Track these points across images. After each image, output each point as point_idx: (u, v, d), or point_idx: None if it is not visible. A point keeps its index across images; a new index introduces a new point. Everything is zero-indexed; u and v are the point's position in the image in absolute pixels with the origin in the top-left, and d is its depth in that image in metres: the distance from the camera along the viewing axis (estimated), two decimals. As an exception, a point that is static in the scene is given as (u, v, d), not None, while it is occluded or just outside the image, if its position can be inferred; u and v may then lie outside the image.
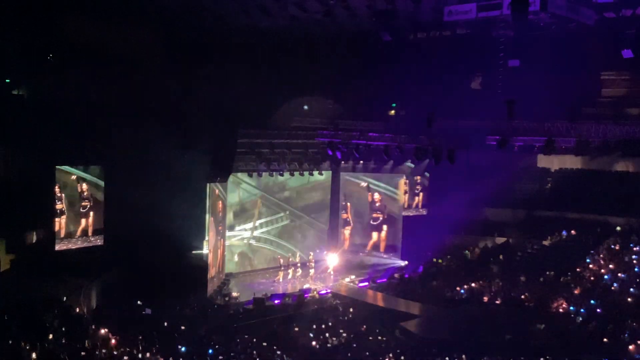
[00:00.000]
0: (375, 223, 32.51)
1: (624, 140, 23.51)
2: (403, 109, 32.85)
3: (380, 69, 28.98)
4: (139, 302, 21.93)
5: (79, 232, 24.21)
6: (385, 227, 32.44)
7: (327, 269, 29.23)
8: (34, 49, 23.44)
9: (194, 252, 25.98)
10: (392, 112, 33.43)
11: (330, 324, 22.74)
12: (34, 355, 14.31)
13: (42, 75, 24.18)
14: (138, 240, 23.93)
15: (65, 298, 19.98)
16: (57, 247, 23.24)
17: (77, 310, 19.53)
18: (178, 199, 24.88)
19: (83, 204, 24.25)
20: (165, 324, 20.57)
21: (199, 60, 25.77)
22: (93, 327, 18.06)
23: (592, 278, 25.00)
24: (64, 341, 16.28)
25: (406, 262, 31.09)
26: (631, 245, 26.09)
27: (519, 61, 24.22)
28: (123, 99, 24.28)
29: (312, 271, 28.87)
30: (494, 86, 25.85)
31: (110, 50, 24.26)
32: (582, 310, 22.63)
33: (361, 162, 31.54)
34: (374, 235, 32.54)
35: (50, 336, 16.23)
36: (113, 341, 17.16)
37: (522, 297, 25.17)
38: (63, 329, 17.19)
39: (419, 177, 33.49)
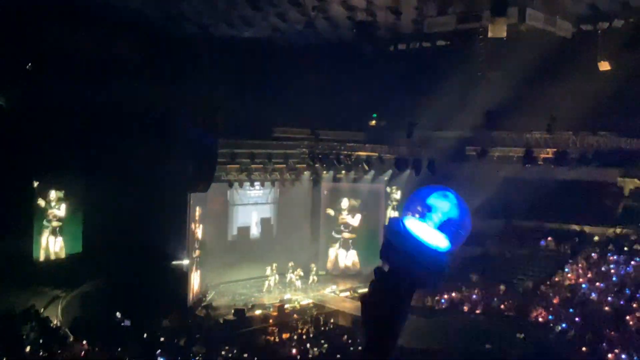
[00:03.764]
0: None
1: (602, 151, 23.88)
2: (384, 120, 33.01)
3: (361, 80, 29.12)
4: (118, 314, 21.73)
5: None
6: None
7: (309, 279, 29.19)
8: (11, 58, 23.22)
9: (174, 262, 25.81)
10: (373, 122, 33.58)
11: (311, 334, 22.69)
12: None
13: (20, 84, 23.94)
14: (117, 250, 23.71)
15: (42, 309, 19.74)
16: (35, 258, 22.95)
17: (55, 322, 19.31)
18: (158, 208, 24.69)
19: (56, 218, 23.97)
20: (145, 335, 20.39)
21: (180, 69, 25.70)
22: (71, 339, 17.86)
23: (570, 287, 25.24)
24: (41, 354, 16.07)
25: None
26: (609, 254, 26.41)
27: (498, 72, 24.52)
28: (103, 108, 24.11)
29: (295, 281, 28.76)
30: (474, 97, 26.06)
31: (90, 60, 24.13)
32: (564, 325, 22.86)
33: (342, 172, 31.60)
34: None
35: (28, 348, 16.03)
36: (92, 353, 16.98)
37: (502, 306, 25.33)
38: (40, 341, 16.99)
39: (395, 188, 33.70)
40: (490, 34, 17.31)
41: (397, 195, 33.75)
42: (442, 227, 2.67)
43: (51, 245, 23.66)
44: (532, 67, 23.82)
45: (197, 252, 26.56)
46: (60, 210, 23.97)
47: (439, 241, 2.61)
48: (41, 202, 23.42)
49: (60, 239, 23.89)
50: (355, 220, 32.40)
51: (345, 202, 32.40)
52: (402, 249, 2.57)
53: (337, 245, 32.33)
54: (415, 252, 2.55)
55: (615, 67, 21.53)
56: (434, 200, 2.72)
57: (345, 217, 32.45)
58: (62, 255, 23.94)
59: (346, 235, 32.28)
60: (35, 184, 23.18)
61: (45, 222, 23.51)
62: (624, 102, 24.75)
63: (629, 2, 20.19)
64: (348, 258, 32.19)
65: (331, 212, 32.54)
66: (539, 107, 26.03)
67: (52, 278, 22.33)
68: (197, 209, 26.51)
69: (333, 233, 32.54)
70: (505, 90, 25.27)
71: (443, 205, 2.71)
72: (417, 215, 2.67)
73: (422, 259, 2.55)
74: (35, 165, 22.79)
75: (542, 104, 26.12)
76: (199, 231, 26.90)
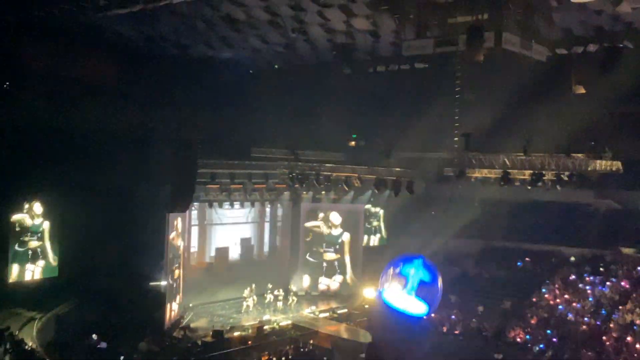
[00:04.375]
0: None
1: (577, 173, 24.23)
2: (363, 140, 33.22)
3: (341, 101, 29.33)
4: (94, 336, 21.45)
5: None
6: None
7: (288, 299, 29.06)
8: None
9: (151, 283, 25.58)
10: (352, 143, 33.77)
11: (290, 355, 22.57)
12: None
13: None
14: (94, 271, 23.47)
15: (17, 332, 19.44)
16: (10, 279, 22.64)
17: (30, 344, 19.01)
18: (136, 229, 24.54)
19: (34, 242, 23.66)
20: (121, 358, 20.15)
21: (159, 89, 25.69)
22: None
23: (547, 308, 25.44)
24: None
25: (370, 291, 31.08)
26: (585, 275, 26.71)
27: (475, 95, 24.87)
28: (81, 127, 23.98)
29: (277, 301, 28.61)
30: (452, 119, 26.38)
31: (69, 79, 24.05)
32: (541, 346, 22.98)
33: (322, 192, 31.64)
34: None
35: (1, 372, 15.76)
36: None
37: (480, 327, 25.43)
38: (14, 364, 16.72)
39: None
40: (467, 58, 17.57)
41: (378, 215, 33.89)
42: (418, 293, 2.87)
43: (29, 268, 23.33)
44: (508, 90, 24.22)
45: (177, 273, 26.35)
46: (38, 232, 23.68)
47: (417, 307, 2.81)
48: (18, 222, 23.13)
49: (42, 262, 23.57)
50: (346, 236, 32.30)
51: (336, 217, 32.24)
52: (384, 321, 2.78)
53: (320, 271, 32.04)
54: (395, 321, 2.74)
55: (589, 90, 21.94)
56: (406, 268, 2.92)
57: (334, 232, 32.26)
58: (39, 277, 23.62)
59: (328, 257, 32.11)
60: (11, 203, 22.89)
61: (20, 245, 23.19)
62: (598, 125, 25.22)
63: (602, 27, 20.65)
64: (334, 283, 32.07)
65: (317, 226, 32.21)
66: (516, 129, 26.39)
67: (27, 300, 22.00)
68: (177, 228, 26.33)
69: (308, 256, 32.03)
70: (482, 112, 25.61)
71: (415, 271, 2.91)
72: (393, 285, 2.86)
73: (402, 326, 2.75)
74: (11, 185, 22.54)
75: (519, 126, 26.49)
76: (179, 251, 26.69)
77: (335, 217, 32.10)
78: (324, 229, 32.07)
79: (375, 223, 34.06)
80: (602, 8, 18.69)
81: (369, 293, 30.47)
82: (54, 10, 20.40)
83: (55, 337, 21.51)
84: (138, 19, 21.57)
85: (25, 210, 23.36)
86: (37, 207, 23.69)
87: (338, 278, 31.96)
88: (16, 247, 23.09)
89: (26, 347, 18.54)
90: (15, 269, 22.98)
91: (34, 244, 23.55)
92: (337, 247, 32.10)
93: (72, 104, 23.72)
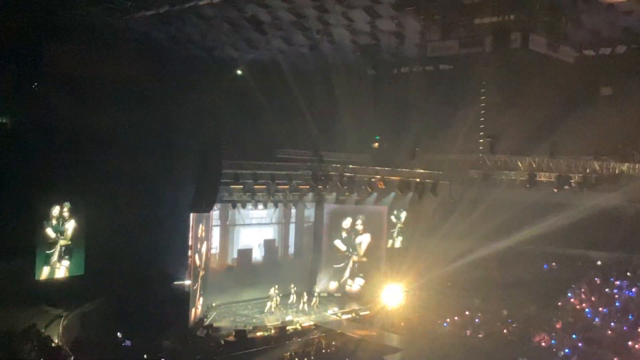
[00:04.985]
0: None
1: (605, 176, 23.91)
2: (386, 142, 33.11)
3: (364, 102, 29.26)
4: (119, 334, 21.66)
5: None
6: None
7: (311, 300, 29.07)
8: (18, 77, 23.43)
9: (175, 282, 25.77)
10: (376, 144, 33.67)
11: (312, 356, 22.57)
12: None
13: (26, 104, 24.11)
14: (119, 270, 23.70)
15: (43, 329, 19.71)
16: (37, 277, 22.97)
17: (56, 341, 19.25)
18: (161, 228, 24.73)
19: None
20: (145, 356, 20.32)
21: (185, 90, 25.89)
22: (72, 359, 17.81)
23: (573, 312, 25.13)
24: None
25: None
26: (612, 279, 26.32)
27: (501, 96, 24.67)
28: (107, 128, 24.26)
29: (303, 302, 28.66)
30: (477, 120, 26.19)
31: (95, 80, 24.34)
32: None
33: (346, 193, 31.60)
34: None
35: (28, 368, 15.99)
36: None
37: (505, 330, 25.19)
38: (41, 360, 16.95)
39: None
40: (493, 59, 17.47)
41: (402, 216, 33.70)
42: None
43: (56, 267, 23.67)
44: (535, 91, 23.96)
45: (201, 273, 26.53)
46: (66, 232, 24.01)
47: None
48: (45, 221, 23.48)
49: (68, 261, 23.92)
50: (366, 237, 32.25)
51: (360, 224, 32.20)
52: None
53: (343, 273, 32.05)
54: None
55: (617, 92, 21.66)
56: None
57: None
58: (65, 275, 23.94)
59: (356, 258, 32.10)
60: (39, 203, 23.24)
61: (48, 244, 23.53)
62: (626, 128, 24.82)
63: (631, 29, 20.36)
64: (356, 284, 32.04)
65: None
66: (542, 131, 26.09)
67: (53, 297, 22.30)
68: (201, 228, 26.50)
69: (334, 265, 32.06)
70: (508, 114, 25.39)
71: None
72: None
73: None
74: (39, 185, 22.85)
75: (545, 128, 26.19)
76: (202, 251, 26.86)
77: (360, 225, 32.18)
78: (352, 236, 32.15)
79: (398, 225, 33.89)
80: (631, 9, 18.44)
81: (388, 297, 30.46)
82: (82, 12, 20.67)
83: (80, 335, 21.77)
84: (164, 20, 21.78)
85: (53, 210, 23.67)
86: (65, 207, 23.99)
87: (360, 280, 31.90)
88: (43, 246, 23.42)
89: (52, 344, 18.78)
90: (42, 267, 23.32)
91: (61, 242, 23.87)
92: (357, 246, 32.11)
93: (98, 105, 23.99)
